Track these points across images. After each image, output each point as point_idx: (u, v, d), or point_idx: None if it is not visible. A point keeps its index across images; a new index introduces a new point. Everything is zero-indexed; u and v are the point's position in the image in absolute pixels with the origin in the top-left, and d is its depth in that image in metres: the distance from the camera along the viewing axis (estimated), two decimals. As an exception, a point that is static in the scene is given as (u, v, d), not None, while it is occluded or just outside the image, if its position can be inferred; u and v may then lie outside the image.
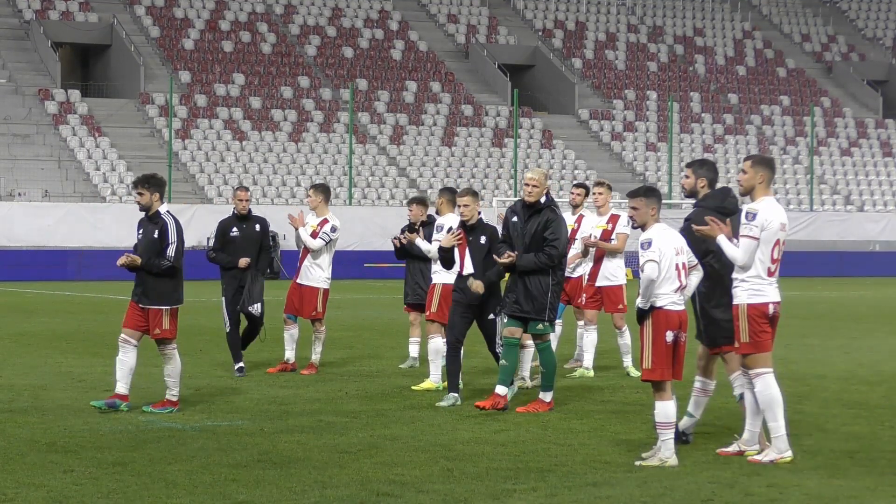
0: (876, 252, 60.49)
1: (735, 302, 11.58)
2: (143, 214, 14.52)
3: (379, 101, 64.94)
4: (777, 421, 11.48)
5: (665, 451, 11.27)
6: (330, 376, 17.33)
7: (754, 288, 11.63)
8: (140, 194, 14.29)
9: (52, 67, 62.15)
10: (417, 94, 66.54)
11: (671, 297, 11.46)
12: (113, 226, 49.42)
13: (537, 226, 14.16)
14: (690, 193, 12.35)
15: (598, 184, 17.99)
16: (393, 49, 69.69)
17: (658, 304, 11.44)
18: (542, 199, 14.30)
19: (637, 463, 11.27)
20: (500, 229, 14.87)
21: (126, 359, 14.38)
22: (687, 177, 12.36)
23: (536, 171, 14.32)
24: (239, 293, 17.75)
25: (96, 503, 9.71)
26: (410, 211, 17.99)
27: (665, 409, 11.38)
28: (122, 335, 14.46)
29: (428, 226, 17.67)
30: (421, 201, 18.06)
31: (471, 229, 15.04)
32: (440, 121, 64.80)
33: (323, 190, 18.26)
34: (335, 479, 10.55)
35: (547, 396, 14.36)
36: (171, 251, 14.22)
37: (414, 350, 18.64)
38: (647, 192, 11.76)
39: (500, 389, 14.15)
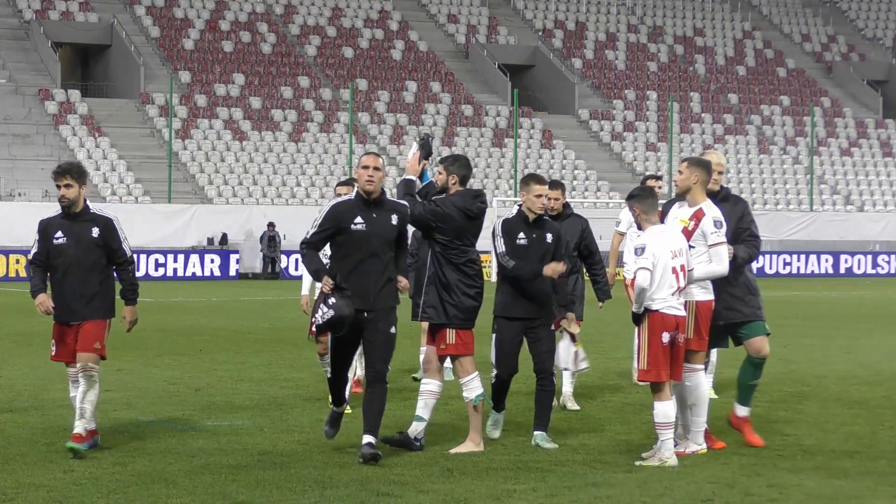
0: (876, 252, 60.50)
1: (688, 298, 11.73)
2: (52, 215, 11.97)
3: (379, 101, 64.95)
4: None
5: (665, 451, 11.27)
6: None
7: (704, 285, 11.90)
8: (68, 186, 11.67)
9: (52, 67, 62.16)
10: (417, 94, 66.55)
11: (668, 301, 11.44)
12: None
13: (729, 215, 12.02)
14: (442, 189, 12.04)
15: (655, 177, 16.90)
16: (393, 49, 69.70)
17: (654, 307, 11.43)
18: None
19: (637, 463, 11.27)
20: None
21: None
22: (440, 172, 12.05)
23: (721, 155, 12.52)
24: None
25: (96, 503, 9.71)
26: None
27: (664, 410, 11.38)
28: (73, 369, 12.05)
29: None
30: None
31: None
32: (440, 121, 64.81)
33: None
34: (335, 479, 10.55)
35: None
36: (128, 248, 11.93)
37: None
38: (630, 195, 11.86)
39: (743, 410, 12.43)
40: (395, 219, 11.55)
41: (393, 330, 11.48)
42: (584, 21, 76.85)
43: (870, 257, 59.56)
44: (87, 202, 11.85)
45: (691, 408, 11.79)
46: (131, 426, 13.20)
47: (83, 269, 11.76)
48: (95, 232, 11.72)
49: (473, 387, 11.94)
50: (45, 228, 11.85)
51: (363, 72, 67.16)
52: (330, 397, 12.01)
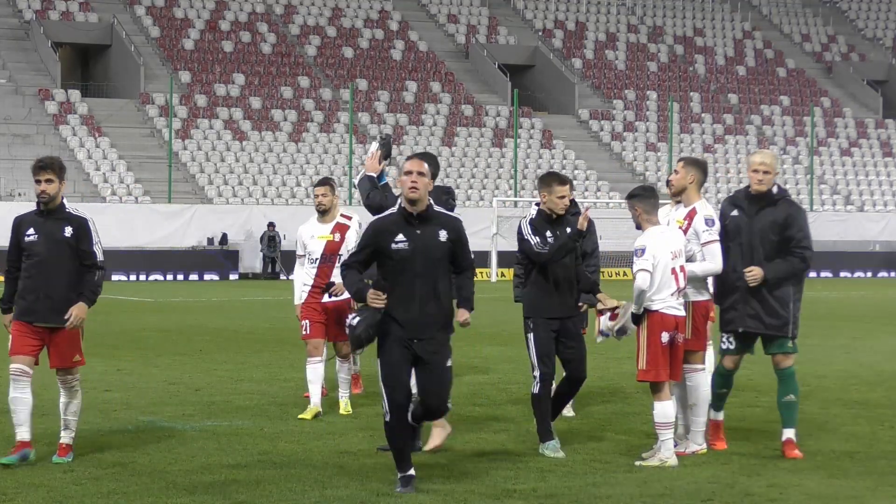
0: (876, 252, 60.47)
1: (684, 299, 11.69)
2: (27, 211, 11.47)
3: (379, 101, 64.95)
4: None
5: (665, 451, 11.27)
6: (329, 377, 17.29)
7: (701, 285, 11.92)
8: (49, 181, 11.13)
9: (52, 67, 62.17)
10: (417, 94, 66.55)
11: (668, 301, 11.42)
12: (113, 226, 49.45)
13: (773, 222, 11.71)
14: None
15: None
16: (393, 49, 69.70)
17: (654, 307, 11.41)
18: (775, 189, 11.80)
19: (637, 463, 11.26)
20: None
21: (25, 396, 11.16)
22: None
23: (767, 154, 11.85)
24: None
25: (96, 503, 9.71)
26: None
27: (664, 410, 11.37)
28: (16, 366, 11.15)
29: None
30: None
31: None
32: (440, 121, 64.81)
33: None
34: (335, 479, 10.55)
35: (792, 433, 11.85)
36: (100, 252, 11.30)
37: None
38: (630, 194, 11.75)
39: (790, 433, 11.76)
40: (443, 235, 10.26)
41: (448, 363, 10.31)
42: (584, 21, 76.86)
43: (870, 259, 59.50)
44: (65, 200, 11.30)
45: (691, 408, 11.80)
46: (131, 426, 13.20)
47: (51, 269, 11.12)
48: (68, 231, 11.14)
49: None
50: (19, 225, 11.30)
51: (363, 72, 67.16)
52: (392, 453, 10.34)
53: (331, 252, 14.21)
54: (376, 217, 10.48)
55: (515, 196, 57.85)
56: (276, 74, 65.12)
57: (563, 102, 69.43)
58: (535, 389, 11.77)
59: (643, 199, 11.60)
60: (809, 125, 69.04)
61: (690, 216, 11.83)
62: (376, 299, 10.05)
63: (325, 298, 14.04)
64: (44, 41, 63.22)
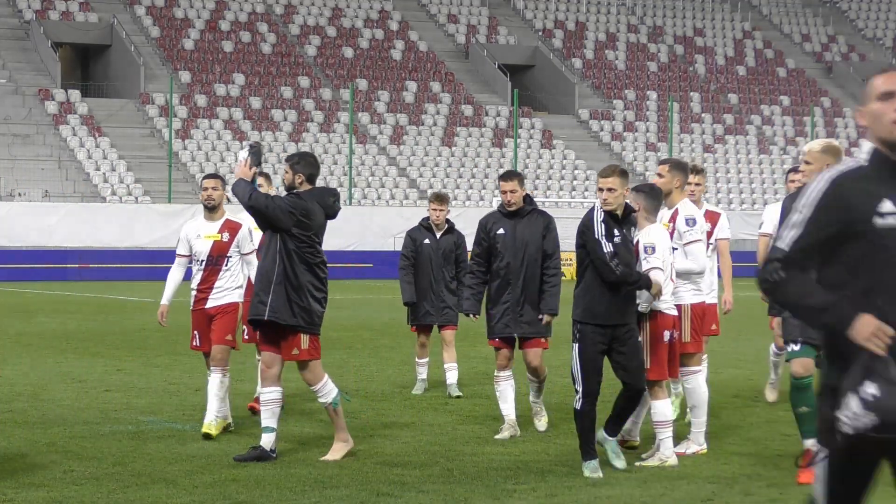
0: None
1: (677, 302, 11.62)
2: None
3: (379, 101, 64.97)
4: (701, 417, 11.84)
5: (664, 451, 11.27)
6: (330, 376, 17.27)
7: (696, 287, 11.91)
8: None
9: (52, 67, 62.18)
10: (417, 94, 66.56)
11: (668, 300, 11.41)
12: (113, 226, 49.47)
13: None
14: (289, 188, 11.51)
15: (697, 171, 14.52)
16: (393, 49, 69.72)
17: (659, 307, 11.39)
18: None
19: (637, 463, 11.27)
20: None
21: None
22: (286, 171, 11.55)
23: (812, 143, 10.94)
24: None
25: (96, 503, 9.71)
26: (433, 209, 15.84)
27: (662, 409, 11.38)
28: None
29: (449, 233, 15.84)
30: (441, 198, 16.01)
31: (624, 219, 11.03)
32: (440, 121, 64.82)
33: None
34: (335, 479, 10.55)
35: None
36: None
37: (424, 372, 16.36)
38: (637, 188, 11.66)
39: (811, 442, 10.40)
40: None
41: None
42: (584, 21, 76.88)
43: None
44: None
45: (692, 409, 11.83)
46: (131, 426, 13.20)
47: None
48: None
49: (328, 390, 11.66)
50: None
51: (363, 72, 67.18)
52: None
53: (218, 253, 13.13)
54: (837, 172, 5.41)
55: (515, 196, 57.83)
56: (276, 74, 65.14)
57: (563, 102, 69.45)
58: (577, 405, 11.07)
59: (649, 198, 11.44)
60: (809, 125, 69.06)
61: (673, 217, 11.75)
62: (877, 338, 5.12)
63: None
64: (44, 41, 63.24)
